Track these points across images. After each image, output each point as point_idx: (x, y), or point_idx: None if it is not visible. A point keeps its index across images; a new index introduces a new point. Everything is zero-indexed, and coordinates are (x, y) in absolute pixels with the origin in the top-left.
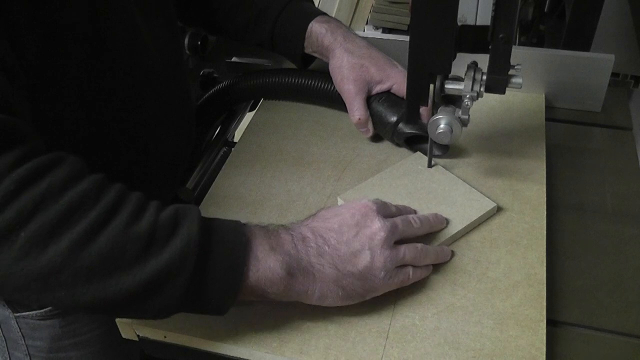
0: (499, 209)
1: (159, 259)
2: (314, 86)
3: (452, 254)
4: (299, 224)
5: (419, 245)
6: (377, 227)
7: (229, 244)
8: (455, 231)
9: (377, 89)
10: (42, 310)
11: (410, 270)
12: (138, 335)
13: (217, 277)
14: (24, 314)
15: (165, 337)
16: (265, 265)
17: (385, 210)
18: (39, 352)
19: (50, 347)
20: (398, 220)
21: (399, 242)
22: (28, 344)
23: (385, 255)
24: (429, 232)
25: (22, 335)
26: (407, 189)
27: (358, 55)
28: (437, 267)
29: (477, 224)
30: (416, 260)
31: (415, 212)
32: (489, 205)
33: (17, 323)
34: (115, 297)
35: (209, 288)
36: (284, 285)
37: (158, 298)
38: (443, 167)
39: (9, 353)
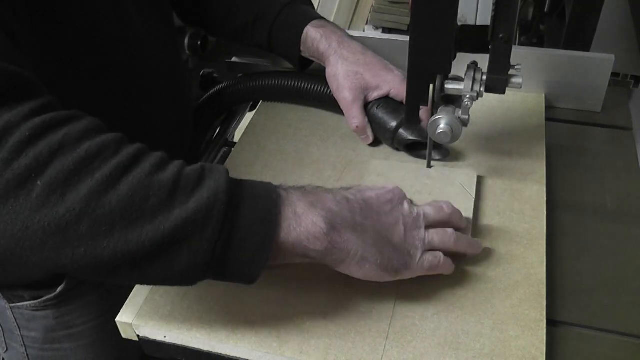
0: (498, 208)
1: (184, 208)
2: (313, 90)
3: (465, 255)
4: (337, 188)
5: (449, 230)
6: (407, 207)
7: (260, 197)
8: (471, 212)
9: (375, 94)
10: (35, 301)
11: (441, 256)
12: (138, 335)
13: (249, 230)
14: (18, 304)
15: (165, 337)
16: (307, 219)
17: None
18: (34, 343)
19: (44, 338)
20: (427, 206)
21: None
22: (23, 334)
23: (414, 233)
24: (459, 222)
25: (18, 326)
26: (426, 188)
27: (352, 62)
28: None
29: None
30: (445, 244)
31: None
32: (472, 176)
33: (12, 314)
34: (138, 250)
35: (239, 242)
36: (327, 241)
37: (184, 253)
38: (475, 196)
39: (6, 343)
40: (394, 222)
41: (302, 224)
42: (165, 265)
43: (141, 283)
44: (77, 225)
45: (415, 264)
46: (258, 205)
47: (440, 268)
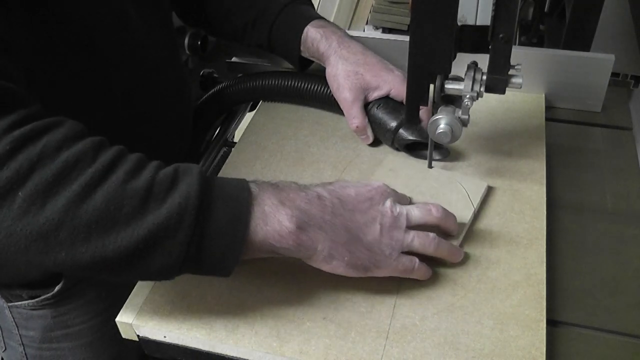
0: (498, 208)
1: (156, 214)
2: (313, 90)
3: (465, 256)
4: (314, 184)
5: (431, 234)
6: (389, 206)
7: (231, 198)
8: (467, 220)
9: (375, 94)
10: (33, 300)
11: (416, 261)
12: (138, 335)
13: (219, 231)
14: (16, 303)
15: (165, 337)
16: (274, 219)
17: (401, 199)
18: (32, 342)
19: (42, 338)
20: (414, 207)
21: (413, 228)
22: (22, 333)
23: (392, 233)
24: (450, 227)
25: (16, 325)
26: (430, 190)
27: (352, 62)
28: (437, 267)
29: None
30: (425, 248)
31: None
32: (481, 186)
33: (10, 313)
34: (115, 255)
35: (210, 243)
36: (292, 239)
37: (158, 256)
38: (477, 207)
39: (4, 342)
40: (370, 220)
41: (268, 222)
42: (141, 266)
43: (122, 280)
44: (57, 232)
45: (388, 264)
46: (228, 207)
47: (415, 273)
